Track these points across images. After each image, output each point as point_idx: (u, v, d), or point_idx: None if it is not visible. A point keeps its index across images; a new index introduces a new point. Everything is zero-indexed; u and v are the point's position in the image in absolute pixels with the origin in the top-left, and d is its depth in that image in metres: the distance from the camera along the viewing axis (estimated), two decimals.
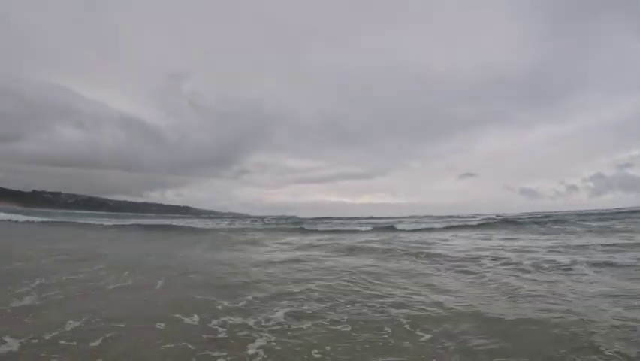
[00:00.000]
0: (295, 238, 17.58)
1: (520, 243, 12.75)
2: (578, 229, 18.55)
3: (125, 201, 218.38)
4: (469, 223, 24.07)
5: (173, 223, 26.11)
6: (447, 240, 14.83)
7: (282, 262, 9.31)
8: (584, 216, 33.62)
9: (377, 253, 10.72)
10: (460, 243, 13.43)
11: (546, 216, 33.80)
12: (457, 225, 23.51)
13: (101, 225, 25.96)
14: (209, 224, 31.11)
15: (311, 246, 13.34)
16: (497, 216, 44.58)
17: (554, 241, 13.00)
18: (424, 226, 23.95)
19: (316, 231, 22.91)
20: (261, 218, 46.40)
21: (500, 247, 11.43)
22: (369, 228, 24.40)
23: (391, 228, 23.50)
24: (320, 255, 10.58)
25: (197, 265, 8.93)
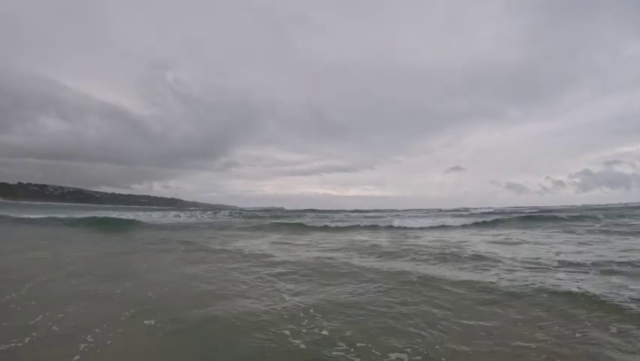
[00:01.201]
0: (290, 242, 13.77)
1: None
2: (609, 228, 15.50)
3: (113, 194, 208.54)
4: (485, 220, 20.70)
5: (138, 218, 21.80)
6: (489, 247, 11.33)
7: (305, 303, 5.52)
8: (584, 210, 31.21)
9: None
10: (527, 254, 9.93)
11: (547, 211, 31.25)
12: (469, 223, 20.07)
13: (51, 218, 20.91)
14: (191, 218, 26.96)
15: (324, 261, 9.56)
16: (494, 210, 41.97)
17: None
18: (431, 221, 20.43)
19: (314, 228, 19.05)
20: (244, 211, 42.52)
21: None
22: (379, 224, 20.68)
23: (401, 227, 19.52)
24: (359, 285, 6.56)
25: (157, 291, 5.28)
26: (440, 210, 47.48)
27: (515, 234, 14.17)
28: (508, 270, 6.69)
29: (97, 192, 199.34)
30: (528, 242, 11.28)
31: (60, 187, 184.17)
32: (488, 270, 6.74)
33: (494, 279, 5.92)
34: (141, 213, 31.51)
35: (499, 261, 7.54)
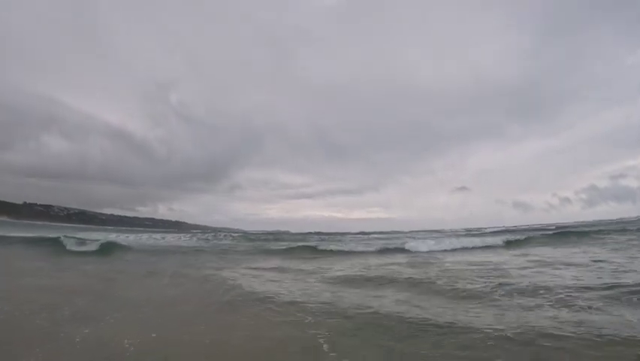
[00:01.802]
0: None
1: None
2: None
3: (118, 216, 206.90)
4: (511, 239, 18.71)
5: (139, 240, 20.24)
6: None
7: None
8: (603, 225, 29.08)
9: None
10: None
11: (564, 227, 29.11)
12: (494, 243, 18.15)
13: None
14: (191, 240, 25.27)
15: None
16: (505, 228, 39.63)
17: None
18: (449, 243, 18.53)
19: (322, 251, 17.24)
20: (248, 233, 40.72)
21: None
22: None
23: (419, 251, 17.43)
24: None
25: (138, 339, 4.11)
26: (453, 230, 45.25)
27: (554, 253, 12.28)
28: (593, 305, 4.99)
29: (102, 214, 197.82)
30: (576, 264, 9.47)
31: (65, 208, 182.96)
32: (575, 309, 5.00)
33: (605, 324, 4.19)
34: (142, 236, 30.08)
35: (573, 292, 5.81)
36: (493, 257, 12.34)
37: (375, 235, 37.20)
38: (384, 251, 17.09)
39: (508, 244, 17.42)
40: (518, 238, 18.73)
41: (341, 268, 10.83)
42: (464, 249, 16.79)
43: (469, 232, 35.48)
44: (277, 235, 37.44)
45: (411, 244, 18.70)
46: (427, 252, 16.27)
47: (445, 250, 16.62)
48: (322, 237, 34.28)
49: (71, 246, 16.16)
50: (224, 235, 31.14)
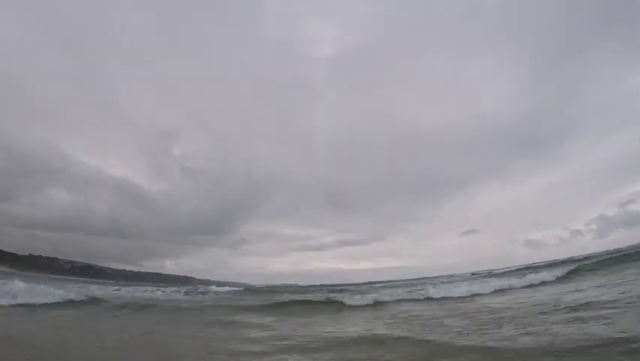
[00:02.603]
0: None
1: None
2: None
3: (125, 270, 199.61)
4: (555, 275, 15.89)
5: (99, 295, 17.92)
6: None
7: None
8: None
9: None
10: None
11: (591, 257, 25.99)
12: (537, 281, 15.39)
13: None
14: (192, 295, 22.86)
15: None
16: (524, 266, 35.72)
17: None
18: (475, 287, 15.84)
19: (330, 304, 14.67)
20: (253, 287, 37.84)
21: None
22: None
23: (448, 297, 14.59)
24: None
25: None
26: (475, 273, 41.44)
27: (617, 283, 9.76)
28: None
29: (108, 268, 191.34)
30: None
31: (70, 261, 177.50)
32: None
33: None
34: (140, 288, 28.35)
35: None
36: (538, 296, 9.88)
37: (390, 283, 34.15)
38: (405, 300, 14.51)
39: (556, 281, 14.75)
40: (557, 275, 16.19)
41: (356, 324, 8.62)
42: (498, 291, 14.14)
43: (491, 273, 32.53)
44: (285, 288, 34.77)
45: (434, 291, 16.11)
46: (461, 298, 13.68)
47: (481, 294, 14.07)
48: (331, 288, 31.57)
49: None
50: (225, 289, 28.61)
